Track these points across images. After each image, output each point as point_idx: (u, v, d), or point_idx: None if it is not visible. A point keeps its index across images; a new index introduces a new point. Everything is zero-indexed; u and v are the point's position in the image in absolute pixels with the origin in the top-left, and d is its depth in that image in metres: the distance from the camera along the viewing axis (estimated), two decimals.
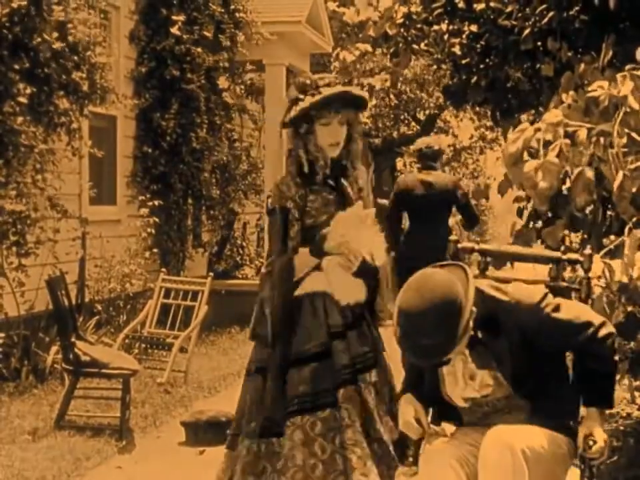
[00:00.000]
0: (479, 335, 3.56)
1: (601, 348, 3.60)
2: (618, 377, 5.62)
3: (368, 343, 4.44)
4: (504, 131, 8.48)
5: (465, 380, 3.74)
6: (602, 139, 3.89)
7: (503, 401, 3.76)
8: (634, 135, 3.85)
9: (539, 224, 4.50)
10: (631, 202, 3.85)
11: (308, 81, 4.50)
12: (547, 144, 3.95)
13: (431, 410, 3.89)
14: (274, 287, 4.42)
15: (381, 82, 20.58)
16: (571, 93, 4.10)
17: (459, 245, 4.21)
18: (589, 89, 4.03)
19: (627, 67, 3.97)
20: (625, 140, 3.84)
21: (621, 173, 3.78)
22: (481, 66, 6.36)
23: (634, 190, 3.81)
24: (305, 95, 4.45)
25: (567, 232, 4.32)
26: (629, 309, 4.30)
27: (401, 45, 6.67)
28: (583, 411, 3.74)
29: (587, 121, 3.97)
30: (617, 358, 3.67)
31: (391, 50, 6.80)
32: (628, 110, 3.84)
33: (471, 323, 3.44)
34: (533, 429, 3.69)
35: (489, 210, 26.14)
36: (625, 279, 3.78)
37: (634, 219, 3.88)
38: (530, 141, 4.01)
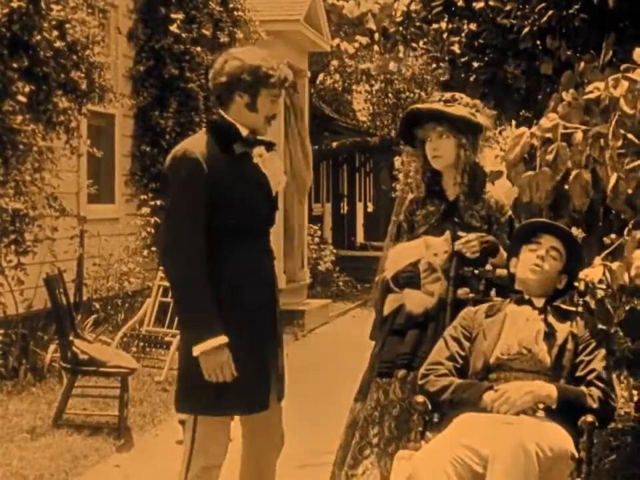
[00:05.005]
0: None
1: None
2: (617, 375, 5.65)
3: (425, 344, 4.55)
4: (502, 130, 8.49)
5: (520, 329, 4.02)
6: (601, 141, 3.90)
7: (529, 372, 3.95)
8: (630, 136, 3.86)
9: None
10: (627, 203, 3.87)
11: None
12: (547, 141, 3.96)
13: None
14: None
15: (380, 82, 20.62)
16: (571, 91, 4.11)
17: (459, 270, 4.49)
18: (587, 90, 4.05)
19: (623, 66, 3.98)
20: (620, 142, 3.85)
21: (615, 175, 3.80)
22: (480, 64, 6.36)
23: (629, 191, 3.82)
24: None
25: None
26: (627, 307, 4.32)
27: (399, 43, 6.67)
28: None
29: (587, 120, 3.99)
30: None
31: (389, 47, 6.81)
32: (620, 113, 3.85)
33: None
34: (545, 428, 3.73)
35: None
36: (625, 280, 3.79)
37: (632, 220, 3.88)
38: (527, 146, 4.05)
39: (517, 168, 4.13)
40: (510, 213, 4.67)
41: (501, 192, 4.74)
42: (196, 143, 4.12)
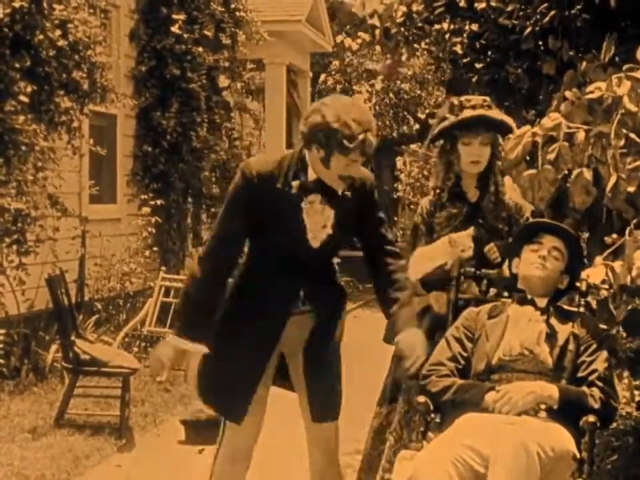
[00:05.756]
0: None
1: None
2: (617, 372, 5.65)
3: None
4: None
5: (522, 330, 4.01)
6: (603, 140, 3.90)
7: (531, 373, 3.94)
8: (632, 135, 3.86)
9: None
10: (629, 202, 3.87)
11: (456, 102, 4.73)
12: (549, 140, 3.96)
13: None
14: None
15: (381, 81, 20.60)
16: (574, 90, 4.11)
17: (461, 270, 4.48)
18: (588, 89, 4.05)
19: (625, 66, 3.98)
20: (622, 142, 3.85)
21: (614, 175, 3.80)
22: (482, 65, 6.37)
23: (631, 189, 3.82)
24: (451, 115, 4.73)
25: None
26: (629, 307, 4.31)
27: (401, 43, 6.68)
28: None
29: (590, 120, 3.99)
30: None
31: (391, 48, 6.83)
32: (623, 111, 3.85)
33: None
34: (547, 428, 3.73)
35: None
36: (627, 281, 3.79)
37: (634, 220, 3.88)
38: (528, 146, 4.05)
39: (518, 167, 4.13)
40: (528, 214, 4.67)
41: (514, 193, 4.73)
42: (265, 164, 4.10)
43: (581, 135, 3.95)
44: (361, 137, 3.89)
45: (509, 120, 4.72)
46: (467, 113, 4.68)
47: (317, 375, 4.19)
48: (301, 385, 4.23)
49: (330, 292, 4.23)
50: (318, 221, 4.08)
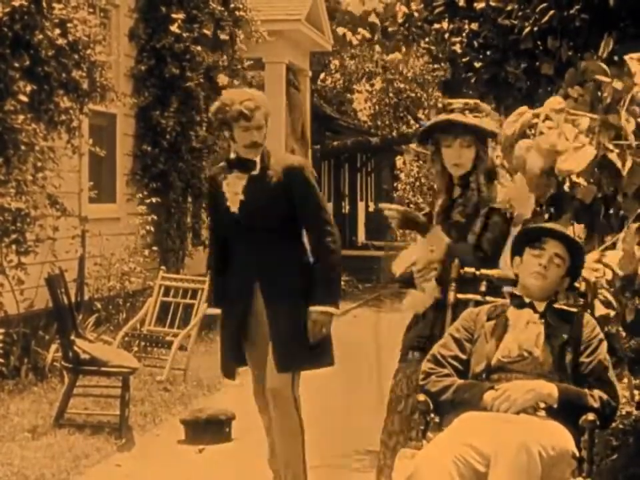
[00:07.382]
0: None
1: None
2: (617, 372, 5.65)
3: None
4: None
5: (521, 332, 4.00)
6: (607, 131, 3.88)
7: (530, 375, 3.92)
8: None
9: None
10: (634, 195, 3.85)
11: (440, 105, 4.87)
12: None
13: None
14: None
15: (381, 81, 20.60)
16: (576, 87, 4.09)
17: (461, 271, 4.45)
18: (597, 77, 4.01)
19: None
20: (633, 125, 3.82)
21: (630, 159, 3.76)
22: (481, 64, 6.38)
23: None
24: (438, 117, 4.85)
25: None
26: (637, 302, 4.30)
27: (401, 42, 6.69)
28: None
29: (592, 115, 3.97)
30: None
31: (390, 47, 6.85)
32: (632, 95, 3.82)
33: None
34: (547, 426, 3.73)
35: None
36: (621, 272, 3.78)
37: (632, 216, 3.87)
38: (528, 124, 4.01)
39: (512, 146, 4.07)
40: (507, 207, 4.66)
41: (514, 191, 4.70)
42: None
43: (584, 121, 3.91)
44: (235, 107, 4.90)
45: (485, 124, 4.65)
46: (443, 117, 4.71)
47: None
48: None
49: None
50: (232, 189, 5.07)
